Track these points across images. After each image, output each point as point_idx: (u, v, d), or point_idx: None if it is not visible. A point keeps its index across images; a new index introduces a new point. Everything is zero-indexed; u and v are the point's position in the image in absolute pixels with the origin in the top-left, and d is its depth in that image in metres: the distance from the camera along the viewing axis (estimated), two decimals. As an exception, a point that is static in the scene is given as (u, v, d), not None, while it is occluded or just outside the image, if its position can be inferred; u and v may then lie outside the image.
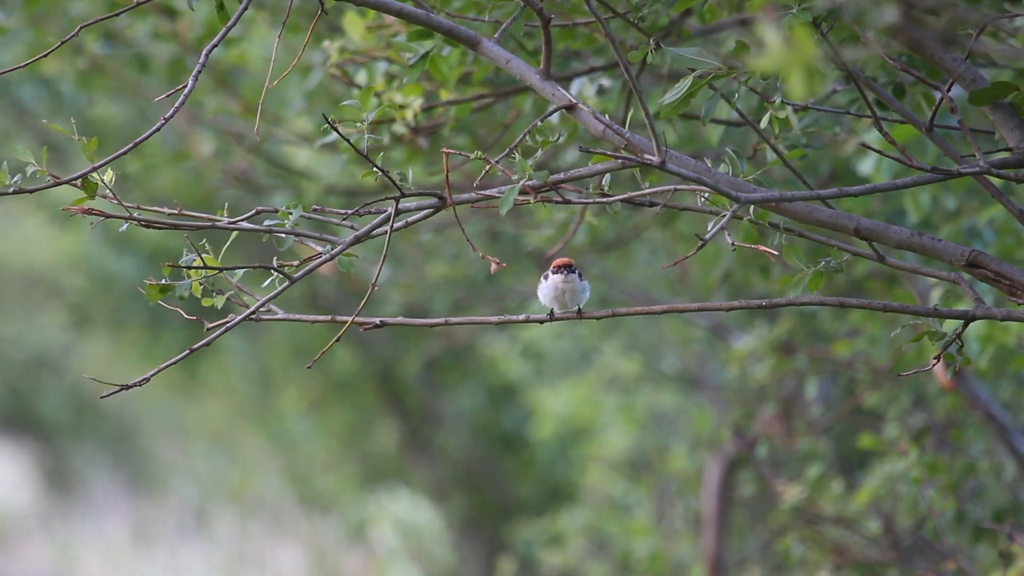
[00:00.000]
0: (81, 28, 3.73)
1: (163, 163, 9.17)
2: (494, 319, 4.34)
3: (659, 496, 10.26)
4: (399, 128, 5.31)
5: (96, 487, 17.78)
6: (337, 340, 4.03)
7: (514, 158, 4.01)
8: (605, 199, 4.08)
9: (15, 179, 3.77)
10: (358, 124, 4.02)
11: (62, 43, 3.77)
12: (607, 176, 4.09)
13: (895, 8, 3.40)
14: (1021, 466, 6.62)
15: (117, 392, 3.83)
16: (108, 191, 3.75)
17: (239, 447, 16.38)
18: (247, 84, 8.24)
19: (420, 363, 12.84)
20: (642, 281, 9.68)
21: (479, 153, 4.04)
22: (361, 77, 5.41)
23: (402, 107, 5.19)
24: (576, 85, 5.41)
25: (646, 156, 4.03)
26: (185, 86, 3.65)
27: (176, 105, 3.64)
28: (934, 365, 4.18)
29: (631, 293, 9.49)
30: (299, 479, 15.18)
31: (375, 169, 3.97)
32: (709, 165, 4.16)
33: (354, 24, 5.39)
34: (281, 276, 3.94)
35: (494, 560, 12.58)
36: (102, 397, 3.86)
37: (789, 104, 4.31)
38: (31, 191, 3.71)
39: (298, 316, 4.10)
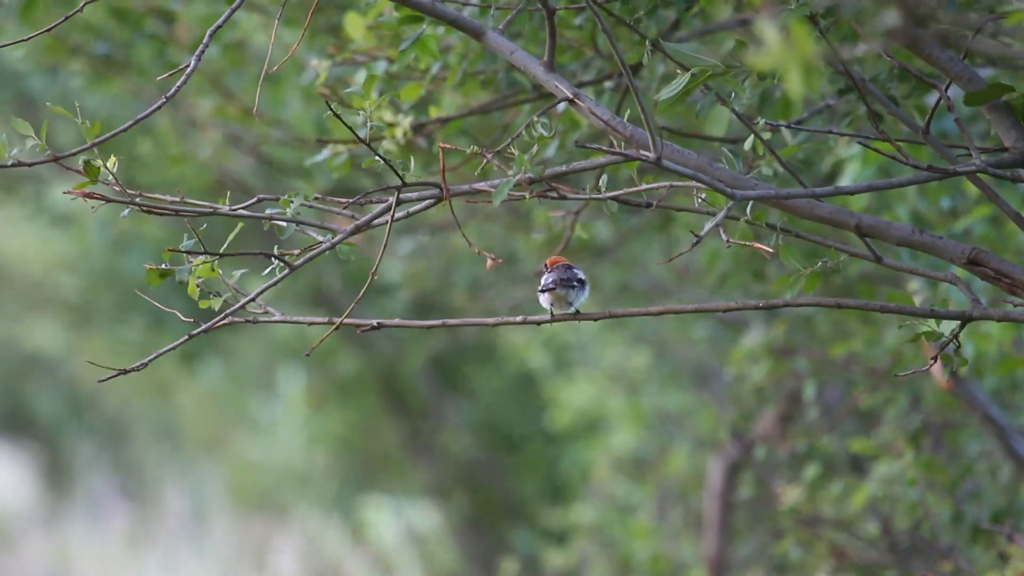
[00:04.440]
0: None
1: (172, 148, 9.12)
2: (491, 321, 4.24)
3: (660, 497, 10.25)
4: (389, 145, 5.26)
5: (94, 487, 17.77)
6: (328, 336, 4.01)
7: (511, 153, 4.00)
8: (601, 196, 4.06)
9: (14, 151, 3.76)
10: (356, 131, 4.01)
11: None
12: (604, 177, 4.09)
13: (896, 12, 3.42)
14: (1018, 467, 6.62)
15: (115, 376, 3.82)
16: (111, 176, 3.76)
17: (237, 448, 16.36)
18: (244, 87, 8.22)
19: (423, 360, 12.81)
20: (662, 271, 9.60)
21: (474, 148, 4.03)
22: (361, 76, 5.40)
23: (391, 125, 5.16)
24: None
25: (642, 152, 4.02)
26: (187, 65, 3.65)
27: (179, 84, 3.65)
28: (931, 366, 4.19)
29: (652, 282, 9.44)
30: (299, 479, 15.17)
31: (377, 158, 3.98)
32: (712, 160, 4.15)
33: (355, 23, 5.37)
34: (282, 264, 3.91)
35: (496, 561, 12.56)
36: (100, 381, 3.85)
37: (774, 124, 4.29)
38: (30, 164, 3.70)
39: (295, 318, 4.05)
